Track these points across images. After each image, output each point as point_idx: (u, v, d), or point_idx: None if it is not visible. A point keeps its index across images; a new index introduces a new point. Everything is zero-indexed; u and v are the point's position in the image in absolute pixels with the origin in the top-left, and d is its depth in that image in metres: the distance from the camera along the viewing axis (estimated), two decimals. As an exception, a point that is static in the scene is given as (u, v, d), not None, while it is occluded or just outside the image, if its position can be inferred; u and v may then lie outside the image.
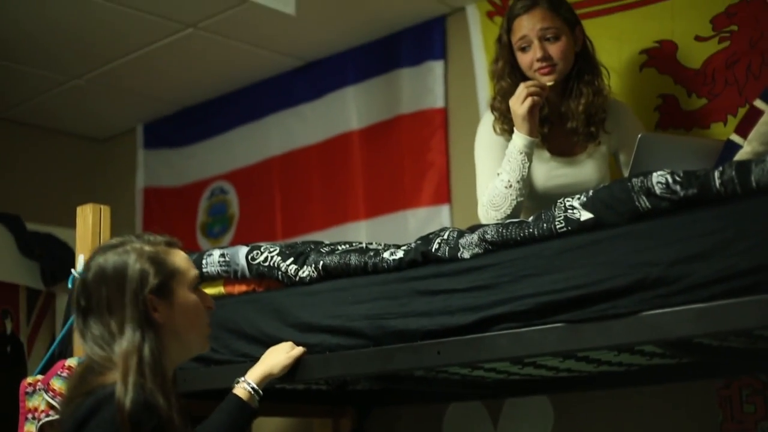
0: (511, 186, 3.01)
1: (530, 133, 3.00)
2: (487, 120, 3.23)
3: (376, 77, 4.46)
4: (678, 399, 3.30)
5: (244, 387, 2.61)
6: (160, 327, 2.25)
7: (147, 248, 2.31)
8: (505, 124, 3.14)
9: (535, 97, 2.99)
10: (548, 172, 3.15)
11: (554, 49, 3.07)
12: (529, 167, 3.03)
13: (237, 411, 2.58)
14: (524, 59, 3.11)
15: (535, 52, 3.07)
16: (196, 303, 2.35)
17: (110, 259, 2.28)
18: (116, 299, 2.23)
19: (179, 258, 2.37)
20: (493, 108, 3.20)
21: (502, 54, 3.18)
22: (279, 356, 2.70)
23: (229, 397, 2.60)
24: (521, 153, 3.01)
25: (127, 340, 2.19)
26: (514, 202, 3.01)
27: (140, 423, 2.08)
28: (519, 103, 3.00)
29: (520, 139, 3.01)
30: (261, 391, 2.63)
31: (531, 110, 3.00)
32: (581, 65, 3.16)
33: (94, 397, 2.13)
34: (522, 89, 3.01)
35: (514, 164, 3.01)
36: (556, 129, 3.16)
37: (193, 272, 2.38)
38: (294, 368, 2.70)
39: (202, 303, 2.38)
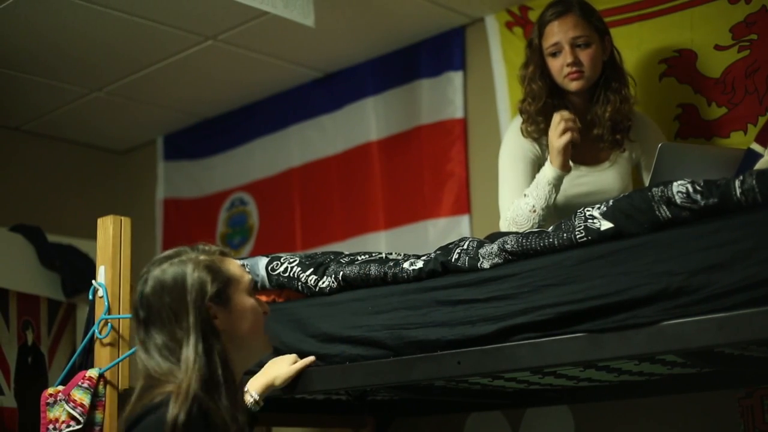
0: (535, 211, 3.05)
1: (562, 167, 3.03)
2: (515, 126, 3.25)
3: (395, 88, 4.47)
4: (699, 409, 3.29)
5: (245, 394, 2.60)
6: (222, 334, 2.26)
7: (203, 257, 2.32)
8: (532, 125, 3.17)
9: (574, 134, 3.01)
10: (571, 180, 3.15)
11: (584, 56, 3.12)
12: (555, 198, 3.05)
13: None
14: (554, 64, 3.15)
15: (566, 57, 3.11)
16: (254, 307, 2.38)
17: (168, 270, 2.29)
18: (178, 308, 2.23)
19: (233, 265, 2.39)
20: (521, 110, 3.22)
21: (532, 58, 3.21)
22: (282, 368, 2.70)
23: None
24: (549, 184, 3.03)
25: (192, 348, 2.19)
26: (536, 226, 3.03)
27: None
28: (557, 136, 3.03)
29: (551, 171, 3.03)
30: (262, 402, 2.63)
31: (567, 145, 3.01)
32: (609, 73, 3.19)
33: (144, 406, 2.15)
34: (558, 119, 3.03)
35: (540, 192, 3.04)
36: (582, 136, 3.16)
37: (248, 277, 2.41)
38: (296, 380, 2.70)
39: (260, 307, 2.40)
